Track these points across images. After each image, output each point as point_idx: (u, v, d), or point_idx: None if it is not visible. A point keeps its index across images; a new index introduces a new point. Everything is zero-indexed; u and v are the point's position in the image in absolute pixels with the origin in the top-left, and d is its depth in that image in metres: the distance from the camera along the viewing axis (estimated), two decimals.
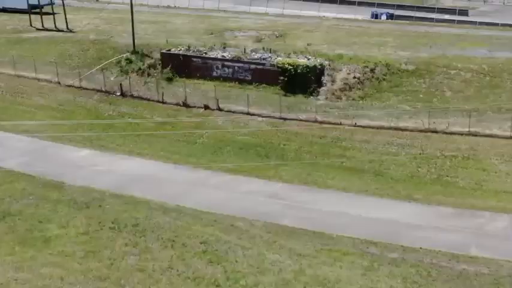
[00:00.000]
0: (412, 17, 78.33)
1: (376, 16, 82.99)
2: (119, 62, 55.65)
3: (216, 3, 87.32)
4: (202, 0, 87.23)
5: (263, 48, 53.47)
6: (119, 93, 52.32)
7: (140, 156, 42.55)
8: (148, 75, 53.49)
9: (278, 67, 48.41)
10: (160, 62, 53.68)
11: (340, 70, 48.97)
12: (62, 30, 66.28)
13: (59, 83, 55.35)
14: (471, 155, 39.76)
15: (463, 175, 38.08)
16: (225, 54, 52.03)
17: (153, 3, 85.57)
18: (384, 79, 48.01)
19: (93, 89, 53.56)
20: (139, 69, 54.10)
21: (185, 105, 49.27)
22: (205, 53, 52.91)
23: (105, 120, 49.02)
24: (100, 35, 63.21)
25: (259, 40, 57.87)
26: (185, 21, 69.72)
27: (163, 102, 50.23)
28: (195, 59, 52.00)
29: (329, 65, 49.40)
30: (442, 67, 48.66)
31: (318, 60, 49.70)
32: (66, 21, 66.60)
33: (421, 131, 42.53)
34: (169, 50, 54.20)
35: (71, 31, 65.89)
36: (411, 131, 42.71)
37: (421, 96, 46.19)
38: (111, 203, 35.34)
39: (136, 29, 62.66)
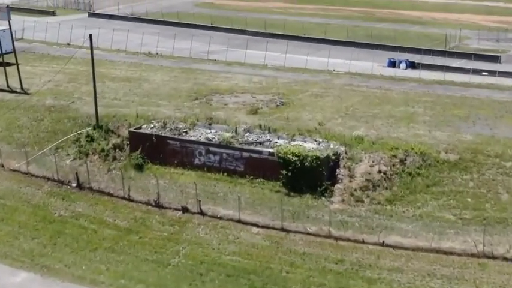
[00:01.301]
0: (442, 67, 68.85)
1: (393, 64, 74.07)
2: (77, 139, 46.68)
3: (205, 46, 78.51)
4: (189, 42, 78.39)
5: (260, 127, 44.22)
6: (74, 184, 43.34)
7: (93, 286, 33.65)
8: (114, 159, 44.48)
9: (279, 157, 39.15)
10: (128, 142, 44.62)
11: (361, 161, 39.64)
12: (15, 91, 57.46)
13: (2, 166, 46.94)
14: None
15: None
16: (210, 136, 42.64)
17: (131, 48, 76.81)
18: (418, 174, 38.67)
19: (43, 177, 44.92)
20: (102, 150, 45.07)
21: (158, 205, 40.21)
22: (186, 132, 43.75)
23: (54, 224, 40.28)
24: (59, 98, 54.40)
25: (254, 111, 48.58)
26: (165, 78, 60.67)
27: (129, 200, 41.23)
28: (172, 142, 42.76)
29: (345, 153, 40.16)
30: (493, 157, 39.45)
31: (331, 146, 40.58)
32: (20, 80, 57.80)
33: (472, 255, 33.39)
34: (140, 128, 45.00)
35: (25, 92, 57.09)
36: (459, 255, 33.57)
37: (469, 200, 36.83)
38: None
39: (103, 90, 54.28)
